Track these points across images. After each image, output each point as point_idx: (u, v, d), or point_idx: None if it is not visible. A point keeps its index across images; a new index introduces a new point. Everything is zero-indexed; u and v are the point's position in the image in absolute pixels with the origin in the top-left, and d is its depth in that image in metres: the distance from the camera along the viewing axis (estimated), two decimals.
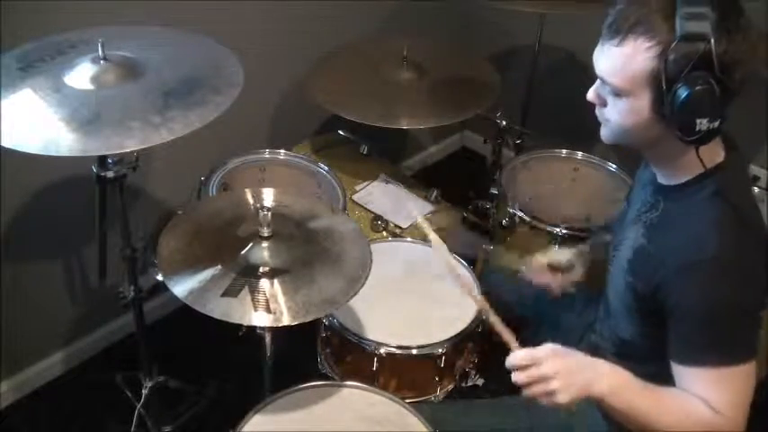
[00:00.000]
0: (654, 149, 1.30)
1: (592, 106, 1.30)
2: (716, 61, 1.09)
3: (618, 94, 1.21)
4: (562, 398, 1.20)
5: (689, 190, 1.27)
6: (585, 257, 1.74)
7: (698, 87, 1.10)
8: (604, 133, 1.31)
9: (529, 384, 1.22)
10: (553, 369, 1.21)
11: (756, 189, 2.09)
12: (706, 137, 1.15)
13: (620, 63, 1.17)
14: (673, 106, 1.13)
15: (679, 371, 1.25)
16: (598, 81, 1.26)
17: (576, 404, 1.22)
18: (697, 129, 1.13)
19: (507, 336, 1.29)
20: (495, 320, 1.31)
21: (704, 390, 1.21)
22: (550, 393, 1.20)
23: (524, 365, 1.23)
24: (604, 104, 1.26)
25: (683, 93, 1.11)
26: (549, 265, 1.73)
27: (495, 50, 2.90)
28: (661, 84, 1.14)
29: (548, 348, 1.24)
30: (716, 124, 1.13)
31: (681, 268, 1.21)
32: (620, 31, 1.16)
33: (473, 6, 2.87)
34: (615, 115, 1.24)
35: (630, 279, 1.33)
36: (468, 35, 2.98)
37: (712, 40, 1.09)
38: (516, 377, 1.23)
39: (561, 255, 1.74)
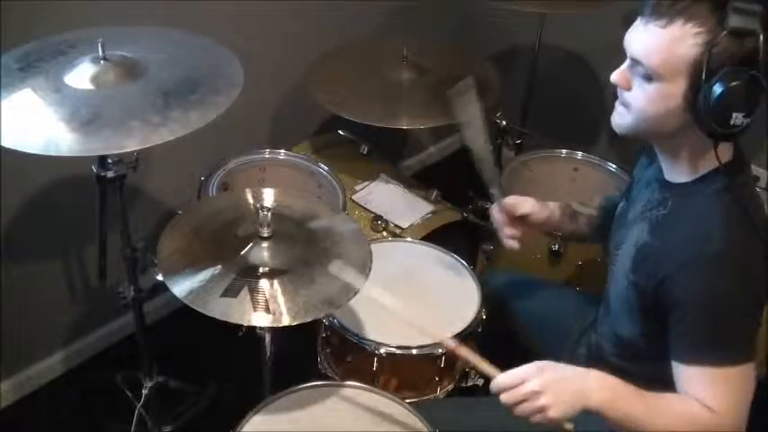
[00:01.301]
0: (670, 142, 1.28)
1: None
2: (762, 59, 1.09)
3: (650, 77, 1.19)
4: (554, 413, 1.18)
5: (698, 188, 1.26)
6: (563, 209, 1.65)
7: (740, 82, 1.10)
8: (620, 121, 1.28)
9: (517, 404, 1.20)
10: (540, 385, 1.19)
11: (756, 189, 2.09)
12: (737, 132, 1.14)
13: (664, 45, 1.15)
14: (709, 98, 1.12)
15: (678, 369, 1.25)
16: (627, 62, 1.23)
17: (571, 421, 1.21)
18: (732, 123, 1.12)
19: (486, 367, 1.28)
20: (469, 356, 1.31)
21: (702, 389, 1.21)
22: (541, 410, 1.19)
23: (509, 386, 1.21)
24: (629, 88, 1.24)
25: (723, 85, 1.10)
26: (514, 214, 1.60)
27: (495, 50, 2.90)
28: (701, 73, 1.12)
29: (532, 365, 1.23)
30: (748, 121, 1.13)
31: (685, 263, 1.21)
32: (668, 13, 1.14)
33: (473, 6, 2.87)
34: (641, 101, 1.22)
35: (633, 276, 1.33)
36: (468, 35, 2.98)
37: (761, 38, 1.08)
38: (503, 398, 1.21)
39: (526, 205, 1.60)
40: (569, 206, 1.68)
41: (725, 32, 1.10)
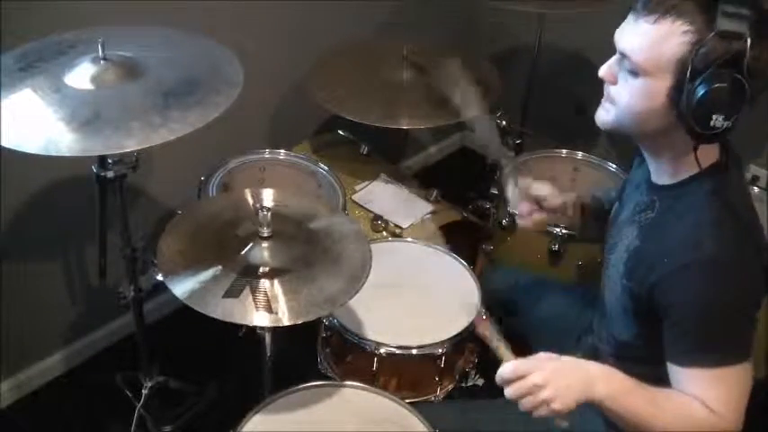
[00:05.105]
0: (654, 141, 1.28)
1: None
2: (746, 63, 1.09)
3: (636, 72, 1.19)
4: (557, 405, 1.18)
5: (685, 189, 1.26)
6: (575, 202, 1.66)
7: (723, 84, 1.10)
8: (605, 116, 1.28)
9: (521, 397, 1.20)
10: (542, 378, 1.19)
11: (756, 189, 2.09)
12: (717, 134, 1.14)
13: (652, 40, 1.15)
14: (692, 97, 1.12)
15: (675, 371, 1.25)
16: (615, 57, 1.24)
17: (570, 414, 1.21)
18: (711, 124, 1.12)
19: (503, 352, 1.29)
20: (491, 335, 1.32)
21: (700, 390, 1.21)
22: (544, 403, 1.19)
23: (513, 380, 1.21)
24: (615, 82, 1.24)
25: (706, 86, 1.11)
26: (531, 195, 1.62)
27: (495, 50, 2.90)
28: (686, 71, 1.12)
29: (535, 357, 1.23)
30: (728, 124, 1.13)
31: (677, 269, 1.21)
32: (658, 10, 1.14)
33: (473, 6, 2.87)
34: (626, 96, 1.22)
35: (627, 282, 1.33)
36: (468, 35, 2.98)
37: (748, 41, 1.08)
38: (507, 392, 1.21)
39: (544, 188, 1.63)
40: (580, 198, 1.68)
41: (713, 34, 1.10)
